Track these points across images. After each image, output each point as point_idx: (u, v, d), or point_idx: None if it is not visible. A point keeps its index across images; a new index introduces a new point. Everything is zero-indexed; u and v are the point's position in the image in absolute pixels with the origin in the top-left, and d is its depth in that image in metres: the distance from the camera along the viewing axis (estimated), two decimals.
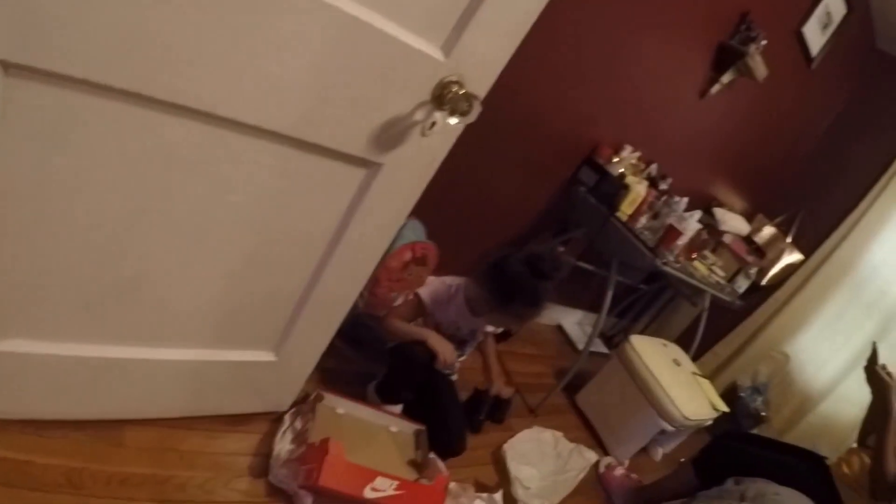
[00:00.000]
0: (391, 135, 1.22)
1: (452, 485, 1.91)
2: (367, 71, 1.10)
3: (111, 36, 0.85)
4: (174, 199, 1.11)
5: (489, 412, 2.27)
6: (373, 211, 1.35)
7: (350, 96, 1.12)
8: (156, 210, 1.10)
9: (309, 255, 1.40)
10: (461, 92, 1.17)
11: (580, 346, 3.29)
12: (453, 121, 1.18)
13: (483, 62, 1.22)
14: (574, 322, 4.03)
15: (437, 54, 1.15)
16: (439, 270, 2.39)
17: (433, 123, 1.18)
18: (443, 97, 1.18)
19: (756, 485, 2.06)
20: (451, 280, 2.16)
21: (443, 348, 1.99)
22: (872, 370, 2.13)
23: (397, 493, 1.63)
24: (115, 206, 1.06)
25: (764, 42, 2.99)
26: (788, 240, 4.07)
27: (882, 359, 2.14)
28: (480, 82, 1.24)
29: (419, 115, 1.20)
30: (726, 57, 3.05)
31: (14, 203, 0.96)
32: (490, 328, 2.25)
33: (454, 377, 2.31)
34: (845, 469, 2.25)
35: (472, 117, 1.18)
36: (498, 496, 1.96)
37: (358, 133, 1.18)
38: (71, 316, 1.18)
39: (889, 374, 2.11)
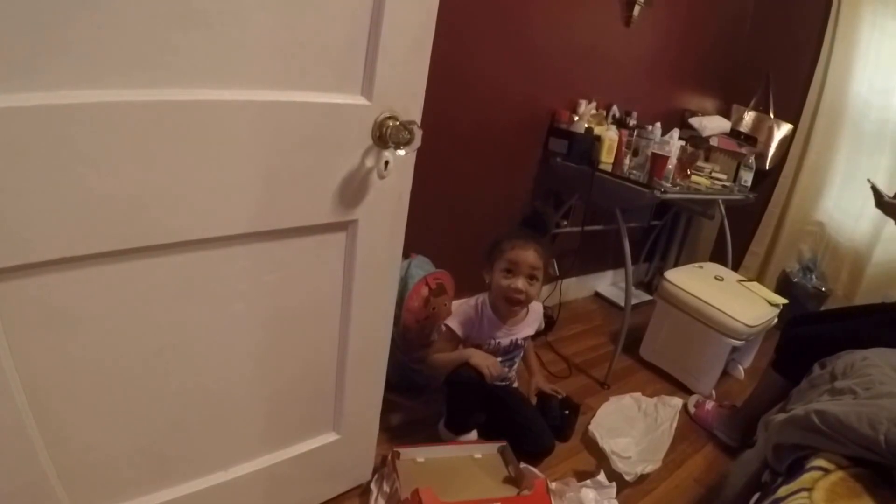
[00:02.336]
0: (353, 189, 1.26)
1: (553, 485, 1.94)
2: (306, 142, 1.15)
3: (78, 212, 0.90)
4: (184, 330, 1.16)
5: (554, 429, 2.25)
6: (367, 264, 1.39)
7: (300, 172, 1.17)
8: (172, 347, 1.15)
9: (328, 328, 1.44)
10: (397, 124, 1.23)
11: (622, 304, 3.32)
12: (401, 153, 1.23)
13: (404, 88, 1.27)
14: (608, 284, 4.07)
15: (361, 101, 1.20)
16: (462, 293, 2.43)
17: (386, 163, 1.23)
18: (384, 136, 1.22)
19: (841, 359, 2.04)
20: (473, 299, 2.18)
21: (484, 361, 2.01)
22: (884, 203, 2.12)
23: None
24: (136, 360, 1.11)
25: None
26: (772, 115, 4.07)
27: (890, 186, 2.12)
28: (411, 107, 1.29)
29: (370, 161, 1.25)
30: None
31: (50, 392, 1.01)
32: (531, 332, 2.25)
33: (515, 385, 2.34)
34: None
35: (417, 141, 1.23)
36: (601, 477, 1.97)
37: (322, 201, 1.23)
38: (133, 475, 1.23)
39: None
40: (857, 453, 1.50)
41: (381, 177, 1.25)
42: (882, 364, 1.90)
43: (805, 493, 1.36)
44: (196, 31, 0.93)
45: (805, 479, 1.43)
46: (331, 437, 1.63)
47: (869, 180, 2.16)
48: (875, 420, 1.48)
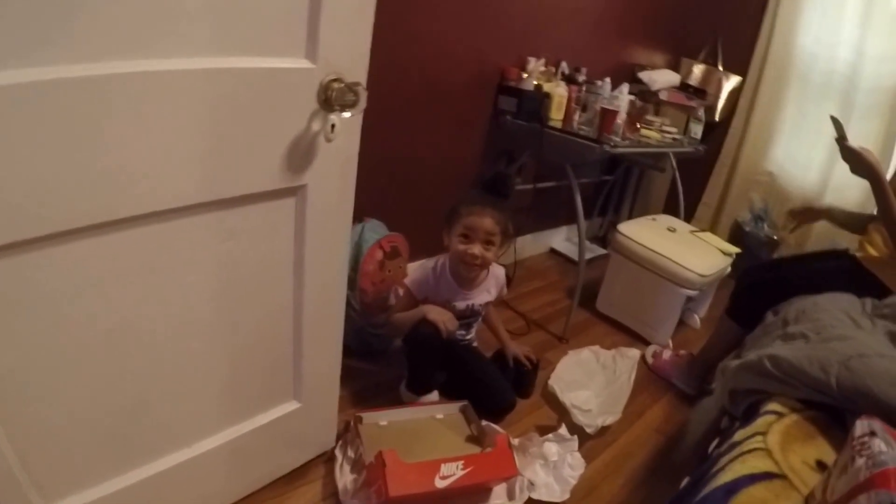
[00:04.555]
0: (300, 154, 1.25)
1: (516, 440, 1.99)
2: (251, 108, 1.14)
3: (21, 194, 0.88)
4: (139, 306, 1.15)
5: (514, 386, 2.29)
6: (318, 229, 1.39)
7: (246, 139, 1.15)
8: (128, 324, 1.14)
9: (282, 295, 1.44)
10: (342, 86, 1.22)
11: (577, 259, 3.36)
12: (347, 115, 1.23)
13: (349, 49, 1.26)
14: (563, 239, 4.12)
15: (305, 64, 1.19)
16: (417, 255, 2.44)
17: (332, 126, 1.22)
18: (329, 98, 1.22)
19: (793, 305, 2.09)
20: (433, 260, 2.19)
21: (440, 316, 2.03)
22: (842, 145, 2.13)
23: (466, 470, 1.68)
24: (93, 341, 1.09)
25: None
26: (720, 68, 4.12)
27: (846, 130, 2.12)
28: (356, 69, 1.28)
29: (316, 125, 1.24)
30: None
31: (4, 377, 1.00)
32: (489, 298, 2.26)
33: (474, 344, 2.36)
34: (870, 249, 2.29)
35: (363, 103, 1.23)
36: (563, 430, 2.01)
37: (270, 167, 1.22)
38: (98, 458, 1.22)
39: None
40: (809, 396, 1.55)
41: (329, 140, 1.24)
42: (832, 308, 1.96)
43: (760, 437, 1.40)
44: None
45: (760, 423, 1.47)
46: (292, 406, 1.63)
47: (832, 116, 2.16)
48: (826, 363, 1.53)
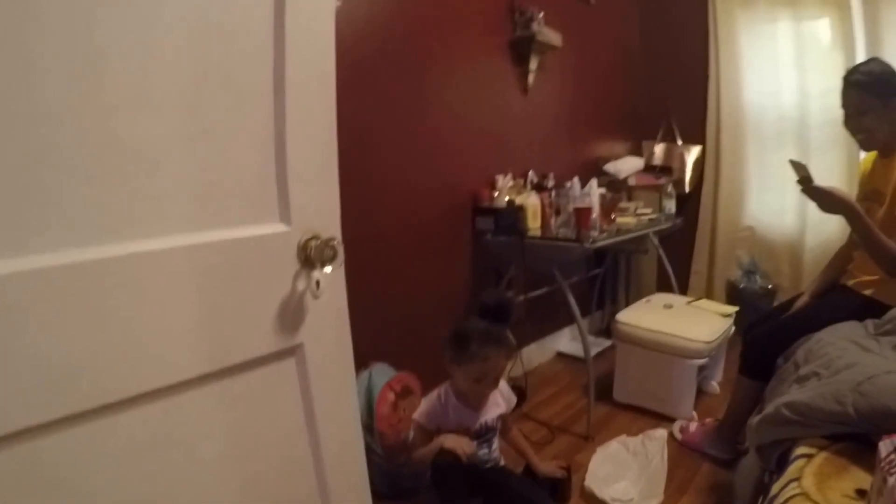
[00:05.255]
0: (291, 314, 1.31)
1: None
2: (237, 277, 1.19)
3: (26, 381, 0.92)
4: (159, 482, 1.15)
5: (551, 498, 2.25)
6: (323, 382, 1.42)
7: (237, 307, 1.20)
8: (148, 501, 1.14)
9: (299, 454, 1.44)
10: (318, 243, 1.29)
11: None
12: (328, 270, 1.30)
13: (320, 207, 1.33)
14: (568, 340, 4.15)
15: (281, 227, 1.26)
16: (430, 388, 2.45)
17: (317, 283, 1.29)
18: (309, 257, 1.28)
19: (801, 347, 2.13)
20: (436, 391, 2.21)
21: (456, 443, 2.02)
22: (807, 186, 2.18)
23: None
24: None
25: (541, 14, 3.23)
26: (679, 142, 4.30)
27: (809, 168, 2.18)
28: (329, 224, 1.35)
29: (301, 284, 1.30)
30: (522, 48, 3.31)
31: None
32: (500, 410, 2.26)
33: (501, 462, 2.33)
34: (861, 275, 2.35)
35: (341, 256, 1.30)
36: None
37: (264, 332, 1.27)
38: None
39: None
40: (833, 431, 1.57)
41: (316, 297, 1.29)
42: (836, 340, 1.99)
43: (795, 484, 1.40)
44: (109, 187, 0.98)
45: (792, 470, 1.48)
46: None
47: (791, 160, 2.24)
48: (839, 395, 1.56)
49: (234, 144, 1.17)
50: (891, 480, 1.08)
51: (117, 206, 1.00)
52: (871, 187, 2.38)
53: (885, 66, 2.24)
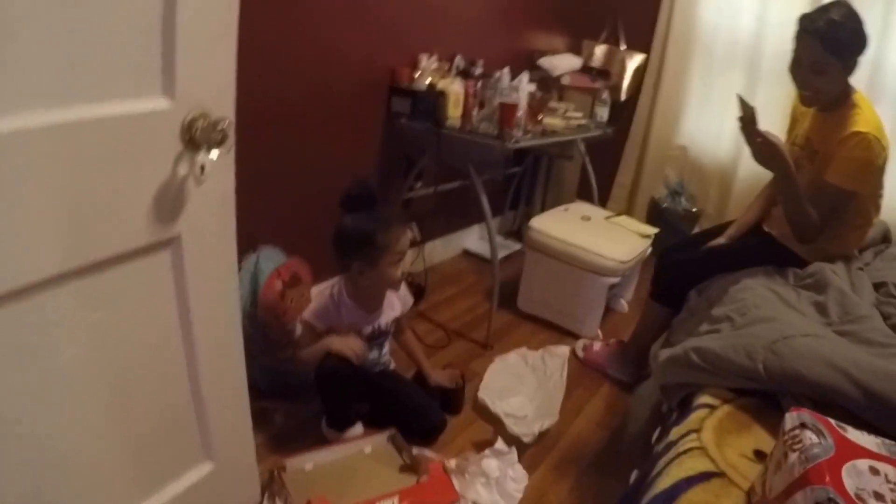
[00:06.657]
0: (169, 203, 1.18)
1: (452, 462, 1.94)
2: (108, 162, 1.05)
3: None
4: (19, 394, 1.06)
5: (442, 407, 2.25)
6: (200, 278, 1.32)
7: (107, 196, 1.07)
8: (8, 415, 1.05)
9: (173, 354, 1.36)
10: (207, 123, 1.15)
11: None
12: (215, 154, 1.15)
13: (211, 80, 1.19)
14: (476, 239, 4.08)
15: (162, 103, 1.11)
16: (323, 276, 2.36)
17: (202, 167, 1.15)
18: (194, 138, 1.14)
19: (716, 284, 2.15)
20: (328, 287, 2.14)
21: (345, 345, 1.98)
22: (749, 129, 2.07)
23: None
24: None
25: None
26: (623, 47, 4.18)
27: (755, 103, 2.06)
28: (222, 101, 1.21)
29: (183, 169, 1.16)
30: None
31: None
32: (395, 313, 2.22)
33: (392, 366, 2.32)
34: (783, 226, 2.30)
35: (231, 139, 1.17)
36: (500, 444, 1.98)
37: (136, 222, 1.14)
38: None
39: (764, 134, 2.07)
40: (740, 384, 1.58)
41: (199, 183, 1.17)
42: (756, 286, 2.00)
43: (694, 436, 1.41)
44: None
45: (692, 419, 1.48)
46: (206, 468, 1.54)
47: (739, 95, 2.10)
48: (751, 350, 1.56)
49: (110, 3, 0.99)
50: (792, 457, 1.07)
51: None
52: (805, 137, 2.28)
53: (852, 16, 2.02)
